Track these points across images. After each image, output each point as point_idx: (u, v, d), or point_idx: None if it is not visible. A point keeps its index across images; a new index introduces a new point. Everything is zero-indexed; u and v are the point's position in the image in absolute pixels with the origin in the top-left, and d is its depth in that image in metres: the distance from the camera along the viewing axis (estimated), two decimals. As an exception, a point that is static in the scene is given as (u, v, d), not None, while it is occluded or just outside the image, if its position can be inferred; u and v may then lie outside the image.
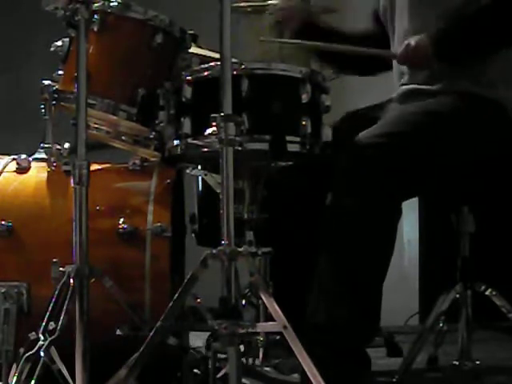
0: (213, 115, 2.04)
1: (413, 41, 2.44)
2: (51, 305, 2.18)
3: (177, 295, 2.10)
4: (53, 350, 2.14)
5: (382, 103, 2.71)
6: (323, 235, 2.34)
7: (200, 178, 3.11)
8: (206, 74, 2.29)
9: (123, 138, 2.58)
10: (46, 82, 2.54)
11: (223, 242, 2.02)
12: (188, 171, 2.78)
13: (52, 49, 2.55)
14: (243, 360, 2.31)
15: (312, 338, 2.21)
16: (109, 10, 2.46)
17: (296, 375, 2.26)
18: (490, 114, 2.47)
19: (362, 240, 2.29)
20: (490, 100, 2.47)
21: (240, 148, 2.11)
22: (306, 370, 1.99)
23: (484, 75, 2.49)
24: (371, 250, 2.30)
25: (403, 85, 2.63)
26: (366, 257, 2.30)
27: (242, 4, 3.25)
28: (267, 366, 2.36)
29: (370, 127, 2.41)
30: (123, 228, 2.43)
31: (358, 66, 2.86)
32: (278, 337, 2.29)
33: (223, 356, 2.07)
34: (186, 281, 2.09)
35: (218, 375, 2.19)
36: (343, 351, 2.29)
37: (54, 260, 2.28)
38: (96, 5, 2.42)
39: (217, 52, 2.24)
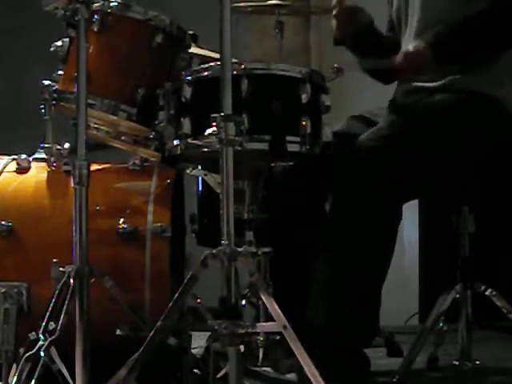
0: (213, 115, 2.04)
1: (410, 46, 2.45)
2: (51, 305, 2.18)
3: (177, 295, 2.10)
4: (53, 349, 2.15)
5: (382, 106, 2.70)
6: (324, 236, 2.35)
7: (200, 178, 3.11)
8: (205, 73, 2.29)
9: (123, 138, 2.58)
10: (46, 82, 2.54)
11: (223, 242, 2.03)
12: (188, 171, 2.78)
13: (52, 49, 2.55)
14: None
15: (312, 338, 2.22)
16: (109, 10, 2.46)
17: (293, 375, 2.26)
18: (490, 113, 2.47)
19: (363, 242, 2.30)
20: (490, 98, 2.47)
21: (240, 148, 2.11)
22: (306, 370, 1.99)
23: (489, 72, 2.49)
24: (371, 252, 2.31)
25: (404, 83, 2.63)
26: (366, 259, 2.30)
27: (242, 4, 3.25)
28: (266, 366, 2.36)
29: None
30: (123, 228, 2.43)
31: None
32: (277, 337, 2.29)
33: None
34: (185, 281, 2.09)
35: (218, 375, 2.19)
36: (343, 351, 2.29)
37: (54, 260, 2.28)
38: (96, 5, 2.42)
39: (217, 52, 2.24)
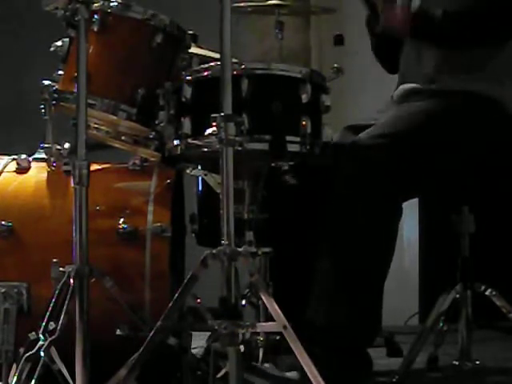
0: (213, 115, 2.04)
1: (400, 1, 2.45)
2: (51, 305, 2.18)
3: (177, 295, 2.10)
4: (53, 349, 2.15)
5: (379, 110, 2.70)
6: (324, 236, 2.35)
7: (200, 178, 3.11)
8: (205, 73, 2.29)
9: (123, 138, 2.58)
10: (46, 82, 2.54)
11: (223, 242, 2.03)
12: (188, 171, 2.78)
13: (52, 49, 2.55)
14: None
15: (312, 338, 2.22)
16: (109, 10, 2.46)
17: (294, 373, 2.26)
18: (489, 113, 2.48)
19: (363, 241, 2.30)
20: (489, 99, 2.47)
21: (240, 148, 2.11)
22: (306, 369, 1.99)
23: (488, 73, 2.49)
24: (372, 251, 2.31)
25: (403, 83, 2.63)
26: (367, 258, 2.30)
27: (242, 4, 3.25)
28: (266, 363, 2.36)
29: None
30: (123, 228, 2.43)
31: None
32: (277, 337, 2.29)
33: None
34: (185, 281, 2.09)
35: (218, 375, 2.19)
36: (343, 351, 2.29)
37: (54, 260, 2.28)
38: (96, 5, 2.42)
39: (217, 52, 2.24)
